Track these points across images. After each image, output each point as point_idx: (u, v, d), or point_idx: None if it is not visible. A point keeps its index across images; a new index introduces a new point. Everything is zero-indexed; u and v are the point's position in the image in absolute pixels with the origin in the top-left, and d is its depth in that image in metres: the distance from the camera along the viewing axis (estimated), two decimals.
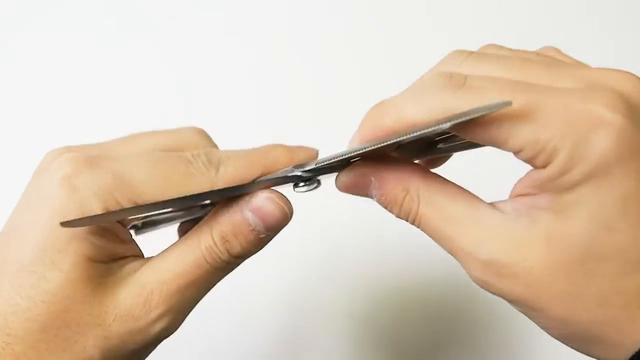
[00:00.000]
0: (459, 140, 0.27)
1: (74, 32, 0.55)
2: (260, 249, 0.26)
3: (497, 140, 0.21)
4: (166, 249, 0.26)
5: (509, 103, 0.19)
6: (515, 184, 0.24)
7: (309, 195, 0.27)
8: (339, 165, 0.26)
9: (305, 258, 0.50)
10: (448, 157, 0.31)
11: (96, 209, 0.23)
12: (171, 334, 0.26)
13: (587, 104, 0.20)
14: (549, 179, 0.21)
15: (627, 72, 0.22)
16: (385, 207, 0.26)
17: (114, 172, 0.24)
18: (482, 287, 0.23)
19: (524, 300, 0.22)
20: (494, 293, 0.23)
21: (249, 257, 0.26)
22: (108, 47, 0.54)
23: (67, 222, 0.21)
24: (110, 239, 0.25)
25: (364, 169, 0.26)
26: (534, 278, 0.21)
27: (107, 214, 0.23)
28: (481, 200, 0.24)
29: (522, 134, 0.21)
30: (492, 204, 0.24)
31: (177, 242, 0.26)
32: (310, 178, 0.27)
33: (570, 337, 0.22)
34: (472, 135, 0.22)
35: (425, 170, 0.25)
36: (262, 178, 0.26)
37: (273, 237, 0.26)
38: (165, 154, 0.26)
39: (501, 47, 0.25)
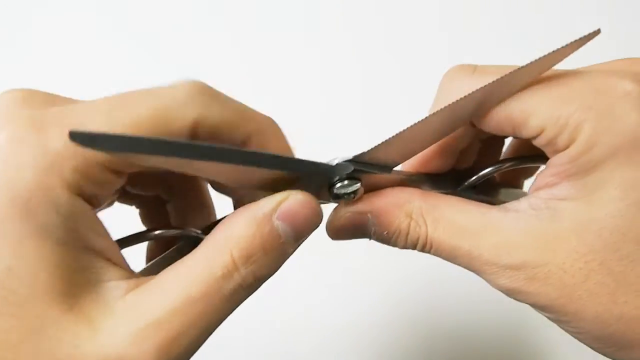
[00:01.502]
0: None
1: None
2: (285, 260, 0.21)
3: (517, 121, 0.20)
4: (164, 272, 0.20)
5: (597, 31, 0.18)
6: (534, 179, 0.22)
7: None
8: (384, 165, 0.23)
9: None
10: None
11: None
12: None
13: (611, 78, 0.19)
14: (573, 159, 0.20)
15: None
16: (388, 242, 0.23)
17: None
18: (510, 296, 0.21)
19: (558, 303, 0.20)
20: (523, 301, 0.21)
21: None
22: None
23: (75, 133, 0.15)
24: (80, 227, 0.18)
25: (357, 206, 0.23)
26: (568, 275, 0.20)
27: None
28: (490, 205, 0.22)
29: (544, 109, 0.20)
30: (503, 206, 0.22)
31: (173, 267, 0.20)
32: (350, 177, 0.22)
33: (608, 341, 0.20)
34: (494, 120, 0.21)
35: (420, 190, 0.24)
36: (284, 155, 0.21)
37: (297, 248, 0.21)
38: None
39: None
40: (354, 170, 0.22)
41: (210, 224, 0.24)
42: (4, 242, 0.17)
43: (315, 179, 0.22)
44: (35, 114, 0.18)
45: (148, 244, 0.26)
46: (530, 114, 0.20)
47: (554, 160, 0.20)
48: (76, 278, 0.18)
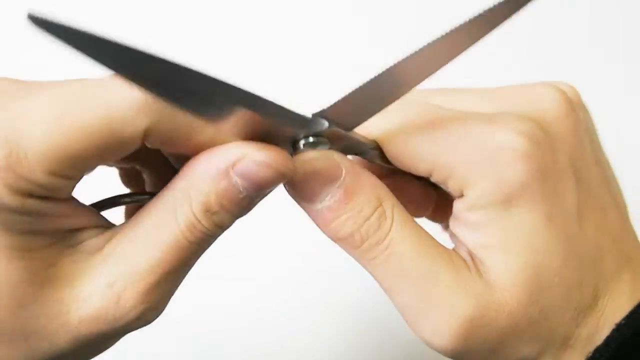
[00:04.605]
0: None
1: None
2: (253, 208, 0.21)
3: (409, 162, 0.21)
4: (131, 225, 0.20)
5: None
6: (454, 206, 0.22)
7: None
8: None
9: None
10: None
11: None
12: (154, 320, 0.21)
13: (492, 131, 0.19)
14: (469, 208, 0.20)
15: (547, 85, 0.22)
16: (336, 219, 0.21)
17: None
18: (443, 353, 0.21)
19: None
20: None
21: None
22: None
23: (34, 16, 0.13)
24: (40, 217, 0.19)
25: (339, 157, 0.21)
26: (506, 328, 0.20)
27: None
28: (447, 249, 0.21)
29: (427, 154, 0.20)
30: (455, 245, 0.22)
31: (142, 214, 0.20)
32: (317, 135, 0.20)
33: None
34: (395, 154, 0.21)
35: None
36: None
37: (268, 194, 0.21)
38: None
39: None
40: (326, 127, 0.20)
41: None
42: None
43: (282, 130, 0.20)
44: None
45: (125, 208, 0.27)
46: (418, 158, 0.21)
47: (456, 203, 0.21)
48: (46, 256, 0.19)
